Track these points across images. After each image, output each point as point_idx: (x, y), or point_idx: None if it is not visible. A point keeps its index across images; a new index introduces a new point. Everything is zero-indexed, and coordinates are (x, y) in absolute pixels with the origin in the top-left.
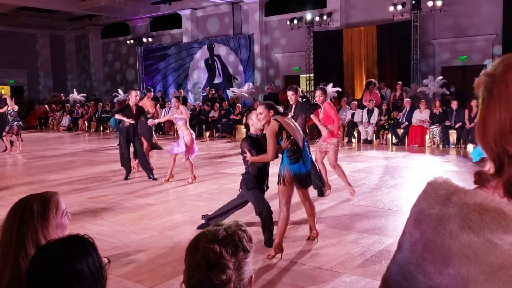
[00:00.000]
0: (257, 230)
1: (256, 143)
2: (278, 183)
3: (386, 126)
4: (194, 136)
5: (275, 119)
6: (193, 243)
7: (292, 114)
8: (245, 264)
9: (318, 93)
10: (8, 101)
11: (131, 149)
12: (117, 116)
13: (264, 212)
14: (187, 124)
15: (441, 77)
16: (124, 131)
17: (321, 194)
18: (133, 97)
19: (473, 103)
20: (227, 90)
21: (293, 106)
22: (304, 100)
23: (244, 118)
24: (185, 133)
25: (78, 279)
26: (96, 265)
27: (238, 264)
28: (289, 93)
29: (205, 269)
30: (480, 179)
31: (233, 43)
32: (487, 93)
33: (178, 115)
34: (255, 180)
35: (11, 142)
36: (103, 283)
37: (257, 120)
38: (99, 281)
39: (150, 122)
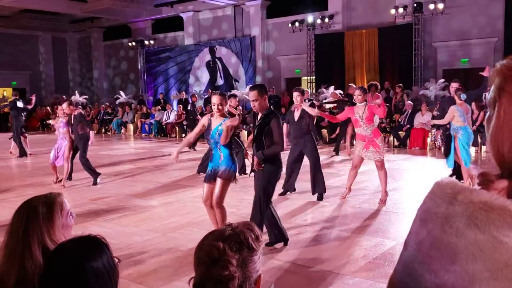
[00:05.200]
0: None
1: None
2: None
3: (387, 129)
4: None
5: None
6: (201, 241)
7: (299, 116)
8: (250, 262)
9: (357, 92)
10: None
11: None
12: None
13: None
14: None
15: (442, 80)
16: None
17: (320, 198)
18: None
19: (473, 105)
20: (228, 93)
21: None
22: (309, 103)
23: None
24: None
25: (96, 276)
26: (110, 263)
27: (243, 261)
28: (295, 94)
29: (208, 265)
30: (484, 181)
31: (234, 45)
32: (499, 93)
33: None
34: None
35: None
36: (116, 280)
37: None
38: (113, 278)
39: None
